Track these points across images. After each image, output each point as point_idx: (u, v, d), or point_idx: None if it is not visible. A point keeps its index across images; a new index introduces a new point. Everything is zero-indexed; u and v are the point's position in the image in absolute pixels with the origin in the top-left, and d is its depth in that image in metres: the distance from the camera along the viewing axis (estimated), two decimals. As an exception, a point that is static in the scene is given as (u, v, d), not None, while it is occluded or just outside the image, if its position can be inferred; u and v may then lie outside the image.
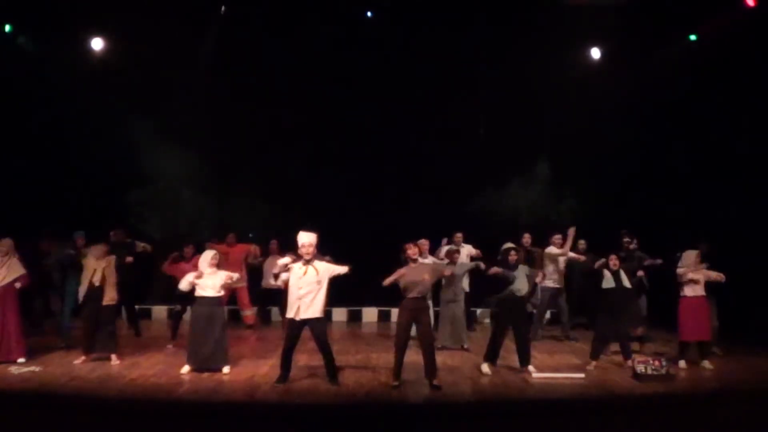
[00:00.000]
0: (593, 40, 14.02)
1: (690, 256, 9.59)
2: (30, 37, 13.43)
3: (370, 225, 13.91)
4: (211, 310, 8.84)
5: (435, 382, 8.22)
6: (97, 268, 9.28)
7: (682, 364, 9.50)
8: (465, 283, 11.27)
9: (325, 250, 8.96)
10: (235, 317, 12.72)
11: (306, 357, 9.53)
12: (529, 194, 14.86)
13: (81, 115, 13.54)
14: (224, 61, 14.04)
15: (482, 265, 10.31)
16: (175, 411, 7.55)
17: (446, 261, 10.64)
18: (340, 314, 14.14)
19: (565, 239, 11.43)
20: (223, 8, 13.82)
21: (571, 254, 11.57)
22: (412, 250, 8.40)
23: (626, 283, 9.64)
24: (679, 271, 9.56)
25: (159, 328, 12.68)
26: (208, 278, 8.87)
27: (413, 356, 8.49)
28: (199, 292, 8.87)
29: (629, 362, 9.20)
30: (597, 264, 9.73)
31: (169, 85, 13.50)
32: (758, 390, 8.54)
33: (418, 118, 14.35)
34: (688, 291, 9.55)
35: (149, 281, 13.66)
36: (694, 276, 9.49)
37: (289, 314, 8.27)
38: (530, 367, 9.03)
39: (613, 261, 9.61)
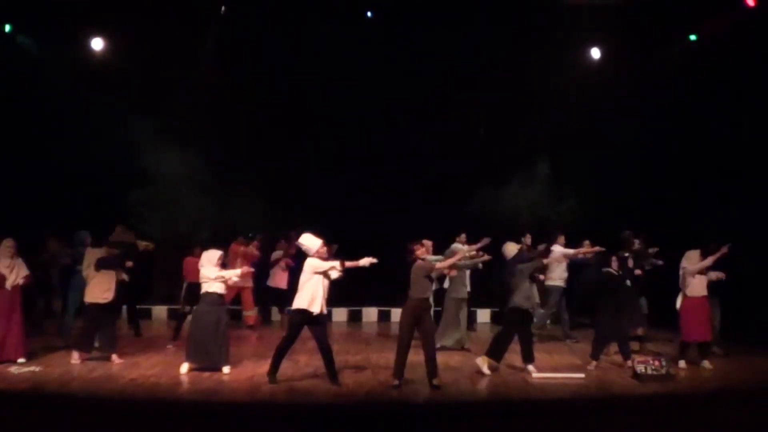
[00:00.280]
0: (593, 40, 14.02)
1: (693, 255, 9.59)
2: (30, 37, 13.43)
3: (370, 225, 13.90)
4: (216, 309, 8.85)
5: (435, 382, 8.22)
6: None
7: (682, 364, 9.50)
8: (466, 284, 11.28)
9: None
10: (236, 317, 12.72)
11: (306, 357, 9.54)
12: (529, 194, 14.86)
13: (81, 115, 13.54)
14: (224, 61, 14.04)
15: (485, 259, 10.37)
16: (175, 411, 7.55)
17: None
18: (340, 314, 14.14)
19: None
20: (223, 8, 13.82)
21: (570, 251, 11.62)
22: (420, 251, 8.40)
23: (628, 282, 9.64)
24: (689, 269, 9.53)
25: (159, 328, 12.69)
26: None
27: (413, 356, 8.49)
28: (206, 288, 8.87)
29: (629, 362, 9.20)
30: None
31: (169, 85, 13.50)
32: (758, 390, 8.54)
33: (418, 118, 14.35)
34: (691, 291, 9.54)
35: (150, 281, 13.65)
36: (697, 275, 9.49)
37: (313, 309, 8.16)
38: (530, 367, 9.04)
39: (615, 262, 9.63)
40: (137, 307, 12.04)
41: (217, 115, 13.95)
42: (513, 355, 9.29)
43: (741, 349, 10.53)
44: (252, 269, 10.01)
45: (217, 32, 14.01)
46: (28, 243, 10.13)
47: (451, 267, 9.53)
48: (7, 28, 13.10)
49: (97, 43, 13.66)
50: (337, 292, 9.23)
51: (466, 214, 13.96)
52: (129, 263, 9.94)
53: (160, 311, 14.05)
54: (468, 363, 9.61)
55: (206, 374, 8.64)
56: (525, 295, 9.08)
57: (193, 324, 9.03)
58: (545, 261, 9.93)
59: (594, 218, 13.21)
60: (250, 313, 12.70)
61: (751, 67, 11.91)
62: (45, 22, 13.07)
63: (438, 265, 8.57)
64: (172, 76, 13.51)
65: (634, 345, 10.28)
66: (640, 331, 10.56)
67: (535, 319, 10.32)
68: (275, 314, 13.43)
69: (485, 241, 9.77)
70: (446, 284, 10.99)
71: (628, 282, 9.70)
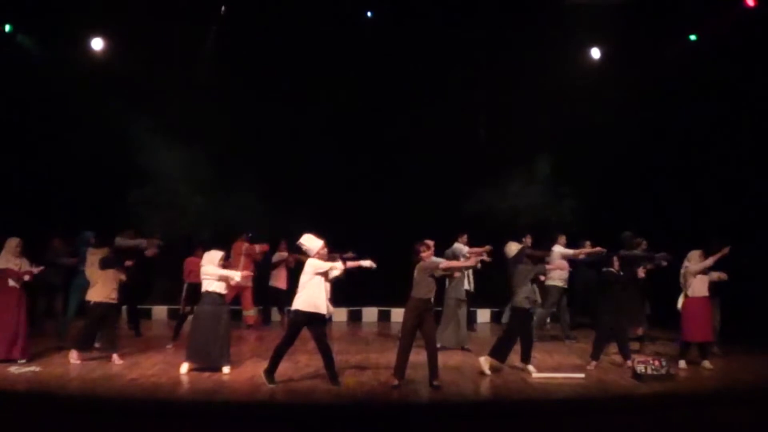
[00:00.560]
0: (593, 40, 14.01)
1: (695, 255, 9.58)
2: (30, 37, 13.42)
3: (370, 225, 13.89)
4: (217, 309, 8.85)
5: (435, 382, 8.22)
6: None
7: (682, 364, 9.50)
8: (466, 284, 11.28)
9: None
10: (235, 317, 12.71)
11: (306, 357, 9.54)
12: (529, 194, 14.83)
13: (81, 115, 13.52)
14: (224, 60, 14.02)
15: (485, 259, 10.37)
16: (175, 411, 7.55)
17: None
18: (340, 314, 14.13)
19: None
20: (223, 8, 13.81)
21: (569, 251, 11.63)
22: (425, 253, 8.40)
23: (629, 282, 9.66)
24: (690, 269, 9.52)
25: (159, 328, 12.70)
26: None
27: (414, 356, 8.49)
28: (207, 288, 8.87)
29: (629, 362, 9.20)
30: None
31: (169, 85, 13.49)
32: (758, 390, 8.54)
33: (418, 117, 14.34)
34: (692, 291, 9.54)
35: (150, 281, 13.64)
36: (699, 275, 9.49)
37: (318, 310, 8.14)
38: (530, 367, 9.04)
39: (616, 262, 9.64)
40: (137, 307, 12.04)
41: (217, 115, 13.94)
42: (513, 355, 9.28)
43: (741, 349, 10.53)
44: (251, 273, 9.96)
45: (217, 32, 13.99)
46: (32, 243, 10.13)
47: (459, 268, 9.59)
48: (7, 28, 13.08)
49: (97, 43, 13.65)
50: (337, 292, 9.23)
51: (466, 214, 13.94)
52: (129, 263, 9.94)
53: (160, 311, 14.05)
54: (468, 363, 9.61)
55: (206, 374, 8.65)
56: (526, 295, 9.08)
57: (193, 324, 9.03)
58: (548, 267, 9.97)
59: (594, 218, 13.19)
60: (250, 313, 12.72)
61: (751, 67, 11.90)
62: (45, 22, 13.05)
63: (444, 264, 8.58)
64: (172, 76, 13.49)
65: (634, 345, 10.28)
66: (639, 331, 10.56)
67: (534, 319, 10.33)
68: (275, 314, 13.43)
69: (486, 248, 9.84)
70: (446, 284, 10.98)
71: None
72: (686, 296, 9.60)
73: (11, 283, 9.19)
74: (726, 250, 9.36)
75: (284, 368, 8.50)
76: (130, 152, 13.67)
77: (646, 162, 13.75)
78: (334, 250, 9.05)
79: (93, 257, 9.53)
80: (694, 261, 9.56)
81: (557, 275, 11.48)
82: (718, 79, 12.35)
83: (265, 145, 14.29)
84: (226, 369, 8.80)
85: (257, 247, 12.56)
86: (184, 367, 8.76)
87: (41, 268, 9.49)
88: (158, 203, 14.19)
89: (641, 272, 10.26)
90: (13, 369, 8.71)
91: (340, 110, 14.55)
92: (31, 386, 8.01)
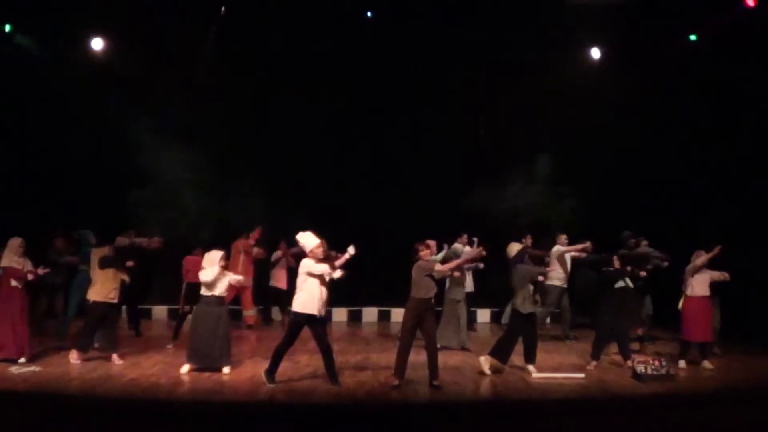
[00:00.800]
0: (593, 40, 14.00)
1: (698, 255, 9.58)
2: (29, 37, 13.41)
3: (370, 225, 13.88)
4: (217, 310, 8.86)
5: (435, 382, 8.23)
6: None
7: (682, 364, 9.51)
8: (468, 284, 11.30)
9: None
10: (235, 317, 12.71)
11: (306, 357, 9.54)
12: (529, 194, 14.82)
13: (81, 114, 13.52)
14: (224, 60, 14.02)
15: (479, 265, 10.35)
16: (175, 411, 7.55)
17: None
18: (340, 314, 14.14)
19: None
20: (223, 8, 13.80)
21: (571, 251, 11.63)
22: (424, 252, 8.40)
23: (629, 283, 9.65)
24: (687, 269, 9.51)
25: (159, 328, 12.70)
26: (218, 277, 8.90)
27: (414, 356, 8.49)
28: (205, 291, 8.87)
29: (629, 362, 9.20)
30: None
31: (169, 85, 13.48)
32: (758, 390, 8.54)
33: (418, 117, 14.34)
34: (692, 291, 9.54)
35: (150, 281, 13.63)
36: (698, 275, 9.49)
37: (311, 311, 8.13)
38: (530, 367, 9.05)
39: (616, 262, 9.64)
40: (137, 307, 12.04)
41: (217, 115, 13.93)
42: (513, 355, 9.28)
43: (741, 349, 10.53)
44: (248, 276, 9.91)
45: (217, 32, 13.99)
46: (33, 243, 10.13)
47: (453, 269, 9.55)
48: (7, 28, 13.07)
49: (97, 43, 13.64)
50: (337, 292, 9.23)
51: (465, 214, 13.94)
52: (130, 263, 9.94)
53: (160, 311, 14.05)
54: (468, 363, 9.62)
55: (206, 374, 8.65)
56: (525, 297, 9.07)
57: (193, 324, 9.03)
58: (547, 270, 9.97)
59: (594, 218, 13.19)
60: (250, 313, 12.72)
61: (751, 67, 11.89)
62: (45, 22, 13.04)
63: (438, 267, 8.55)
64: (172, 76, 13.49)
65: (634, 345, 10.28)
66: (639, 331, 10.55)
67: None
68: (275, 314, 13.43)
69: (479, 251, 9.86)
70: (446, 284, 10.99)
71: (631, 282, 9.69)
72: (686, 296, 9.60)
73: (14, 283, 9.18)
74: (717, 249, 9.36)
75: (284, 368, 8.50)
76: (130, 152, 13.67)
77: (646, 162, 13.74)
78: (332, 249, 9.02)
79: (96, 257, 9.53)
80: (696, 261, 9.57)
81: (556, 275, 11.49)
82: (718, 79, 12.34)
83: (265, 145, 14.28)
84: (226, 369, 8.80)
85: (255, 250, 12.54)
86: (185, 368, 8.77)
87: (47, 270, 9.49)
88: (158, 203, 14.21)
89: (641, 272, 10.27)
90: (13, 369, 8.72)
91: (340, 110, 14.54)
92: (31, 386, 8.01)
